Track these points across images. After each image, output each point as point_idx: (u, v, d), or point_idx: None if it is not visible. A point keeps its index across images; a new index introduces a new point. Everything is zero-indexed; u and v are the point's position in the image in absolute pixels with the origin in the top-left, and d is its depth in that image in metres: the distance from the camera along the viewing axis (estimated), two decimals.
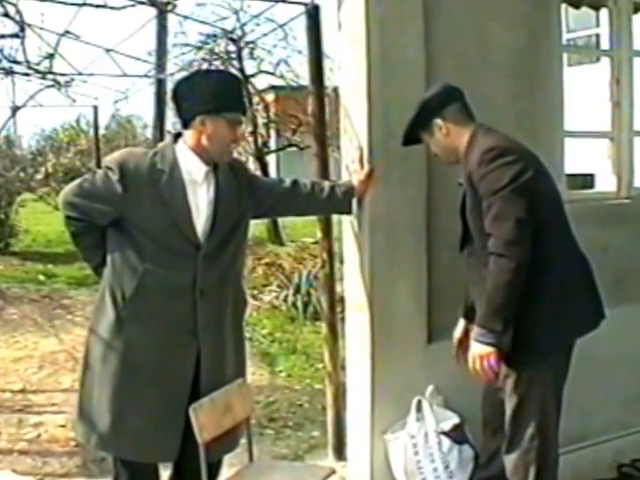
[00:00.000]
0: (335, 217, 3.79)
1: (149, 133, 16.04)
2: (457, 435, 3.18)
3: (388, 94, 3.16)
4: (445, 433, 3.16)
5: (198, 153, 2.78)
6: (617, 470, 3.60)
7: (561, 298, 2.73)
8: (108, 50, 5.85)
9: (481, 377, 2.68)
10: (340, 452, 3.98)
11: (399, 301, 3.27)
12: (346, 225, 3.35)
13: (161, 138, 10.92)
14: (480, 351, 2.62)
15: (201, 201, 2.81)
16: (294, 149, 15.42)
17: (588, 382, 3.49)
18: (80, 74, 6.80)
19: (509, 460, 2.83)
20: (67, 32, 4.98)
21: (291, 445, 4.36)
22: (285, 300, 8.11)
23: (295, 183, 3.11)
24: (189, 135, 2.80)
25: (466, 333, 3.05)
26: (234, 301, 2.95)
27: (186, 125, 2.80)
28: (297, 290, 8.14)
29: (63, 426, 4.61)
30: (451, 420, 3.22)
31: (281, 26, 9.78)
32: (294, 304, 8.00)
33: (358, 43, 3.13)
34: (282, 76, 13.28)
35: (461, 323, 3.10)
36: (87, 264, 3.07)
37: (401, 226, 3.20)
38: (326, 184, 3.18)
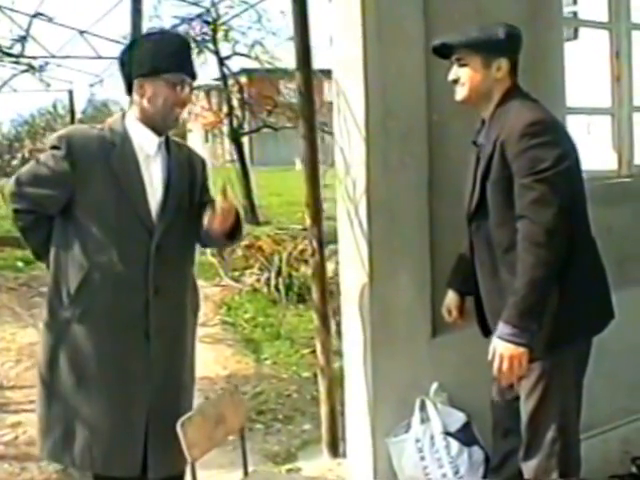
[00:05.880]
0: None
1: None
2: (465, 436, 2.85)
3: (386, 70, 2.79)
4: (452, 434, 2.83)
5: (145, 122, 2.46)
6: (632, 463, 3.28)
7: (585, 290, 2.41)
8: (82, 32, 5.37)
9: (506, 379, 2.33)
10: (335, 449, 3.64)
11: (401, 292, 2.93)
12: (341, 212, 2.99)
13: None
14: (512, 351, 2.24)
15: (155, 177, 2.48)
16: (268, 130, 15.04)
17: (593, 369, 3.17)
18: (54, 57, 6.32)
19: (528, 467, 2.48)
20: (39, 14, 4.51)
21: (282, 441, 3.99)
22: (267, 283, 7.73)
23: None
24: (133, 103, 2.48)
25: (460, 310, 2.73)
26: (192, 302, 2.62)
27: (129, 92, 2.48)
28: (279, 273, 7.77)
29: None
30: (458, 419, 2.89)
31: (252, 6, 9.31)
32: (276, 287, 7.63)
33: (352, 15, 2.75)
34: (257, 58, 12.84)
35: (451, 296, 2.75)
36: (40, 261, 2.62)
37: (402, 212, 2.84)
38: None
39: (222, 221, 2.41)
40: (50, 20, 4.55)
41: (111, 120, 2.55)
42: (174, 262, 2.50)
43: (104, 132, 2.43)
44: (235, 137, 13.91)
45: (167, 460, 2.45)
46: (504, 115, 2.37)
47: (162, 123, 2.47)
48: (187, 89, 2.45)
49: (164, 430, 2.29)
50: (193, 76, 2.49)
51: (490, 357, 2.30)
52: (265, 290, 7.80)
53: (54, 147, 2.39)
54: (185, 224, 2.53)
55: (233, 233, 2.52)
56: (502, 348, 2.26)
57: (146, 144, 2.45)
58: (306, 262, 8.39)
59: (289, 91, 17.75)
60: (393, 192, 2.86)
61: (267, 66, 13.25)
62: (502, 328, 2.26)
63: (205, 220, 2.48)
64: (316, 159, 3.45)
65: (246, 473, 2.59)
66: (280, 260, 7.93)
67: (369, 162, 2.81)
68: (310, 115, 3.41)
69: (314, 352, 5.75)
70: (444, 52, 2.50)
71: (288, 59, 13.87)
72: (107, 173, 2.37)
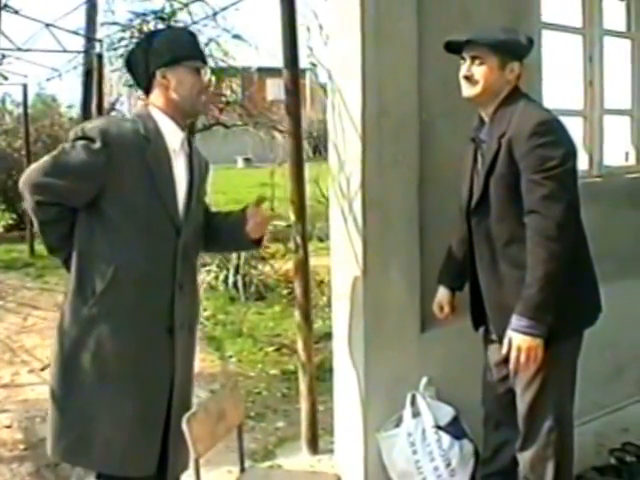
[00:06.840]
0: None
1: (74, 112, 15.05)
2: (455, 429, 2.87)
3: (382, 68, 2.79)
4: (443, 428, 2.85)
5: (171, 115, 2.39)
6: (611, 455, 3.35)
7: (582, 284, 2.50)
8: (48, 25, 5.19)
9: (523, 370, 2.37)
10: (315, 445, 3.62)
11: (392, 288, 2.94)
12: (334, 208, 2.97)
13: (85, 117, 10.22)
14: (529, 343, 2.28)
15: (180, 174, 2.42)
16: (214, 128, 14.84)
17: None
18: (20, 49, 6.07)
19: (524, 458, 2.52)
20: (6, 6, 4.34)
21: (258, 439, 3.93)
22: (225, 281, 7.65)
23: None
24: (156, 97, 2.40)
25: (452, 305, 2.75)
26: (198, 299, 2.61)
27: (149, 89, 2.41)
28: (237, 270, 7.70)
29: (9, 427, 4.06)
30: (447, 413, 2.90)
31: (216, 13, 9.14)
32: (235, 284, 7.55)
33: (351, 14, 2.74)
34: (211, 55, 12.63)
35: (443, 292, 2.76)
36: (55, 256, 2.52)
37: (394, 209, 2.85)
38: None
39: (258, 229, 2.53)
40: (16, 12, 4.37)
41: (137, 112, 2.45)
42: (192, 258, 2.50)
43: (137, 125, 2.34)
44: (189, 135, 13.71)
45: (183, 458, 2.40)
46: (509, 114, 2.41)
47: (191, 110, 2.44)
48: (207, 75, 2.42)
49: (180, 428, 2.23)
50: (206, 63, 2.46)
51: (505, 350, 2.33)
52: (222, 288, 7.72)
53: (85, 138, 2.28)
54: (199, 221, 2.51)
55: (261, 240, 2.62)
56: (519, 340, 2.29)
57: (173, 139, 2.39)
58: (264, 259, 8.37)
59: (239, 88, 17.60)
60: (386, 189, 2.86)
61: (221, 64, 13.07)
62: (517, 321, 2.29)
63: (234, 225, 2.55)
64: (301, 156, 3.42)
65: (242, 470, 2.56)
66: (238, 257, 7.85)
67: (364, 159, 2.80)
68: (296, 112, 3.38)
69: (279, 350, 5.79)
70: (454, 48, 2.51)
71: (239, 57, 13.72)
72: (142, 169, 2.29)
